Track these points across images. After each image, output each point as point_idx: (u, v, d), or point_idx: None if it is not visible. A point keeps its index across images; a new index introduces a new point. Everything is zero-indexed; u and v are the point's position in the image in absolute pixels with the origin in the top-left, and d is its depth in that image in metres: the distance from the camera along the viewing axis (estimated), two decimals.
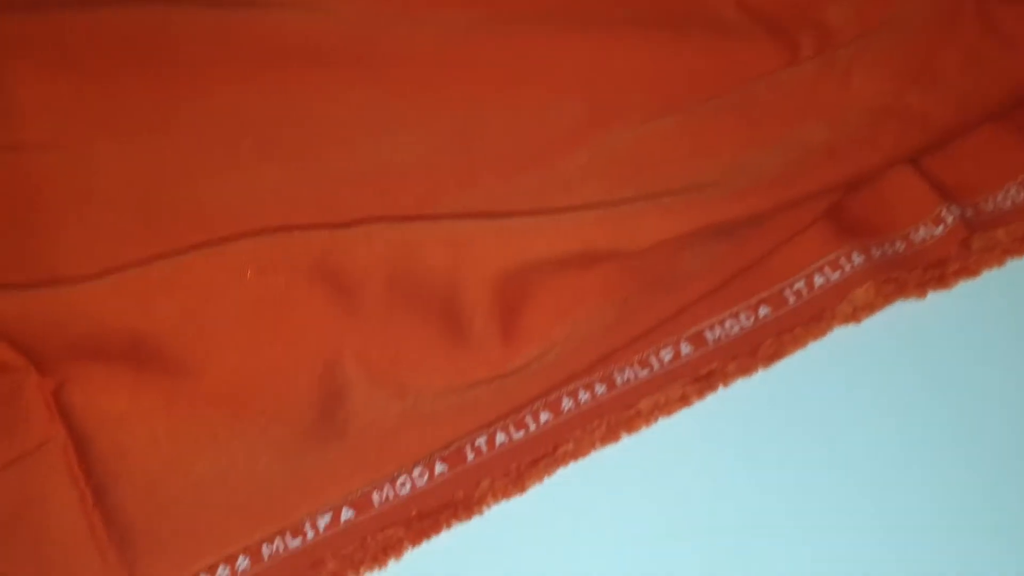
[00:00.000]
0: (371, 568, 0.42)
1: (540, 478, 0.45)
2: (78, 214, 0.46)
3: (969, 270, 0.50)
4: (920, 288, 0.50)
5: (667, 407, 0.46)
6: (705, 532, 0.44)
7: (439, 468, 0.44)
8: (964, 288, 0.50)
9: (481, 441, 0.45)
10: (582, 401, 0.46)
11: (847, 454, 0.46)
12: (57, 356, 0.43)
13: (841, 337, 0.49)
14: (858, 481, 0.45)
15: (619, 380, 0.46)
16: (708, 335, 0.47)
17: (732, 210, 0.47)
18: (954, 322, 0.49)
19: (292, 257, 0.44)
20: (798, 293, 0.49)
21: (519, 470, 0.44)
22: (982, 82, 0.51)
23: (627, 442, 0.46)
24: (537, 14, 0.51)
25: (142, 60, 0.50)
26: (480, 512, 0.44)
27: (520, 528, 0.44)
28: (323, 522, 0.42)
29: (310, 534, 0.42)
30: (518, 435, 0.45)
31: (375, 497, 0.43)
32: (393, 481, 0.43)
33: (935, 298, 0.50)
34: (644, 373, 0.46)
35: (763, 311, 0.48)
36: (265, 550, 0.41)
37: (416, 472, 0.44)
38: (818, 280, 0.49)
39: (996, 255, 0.50)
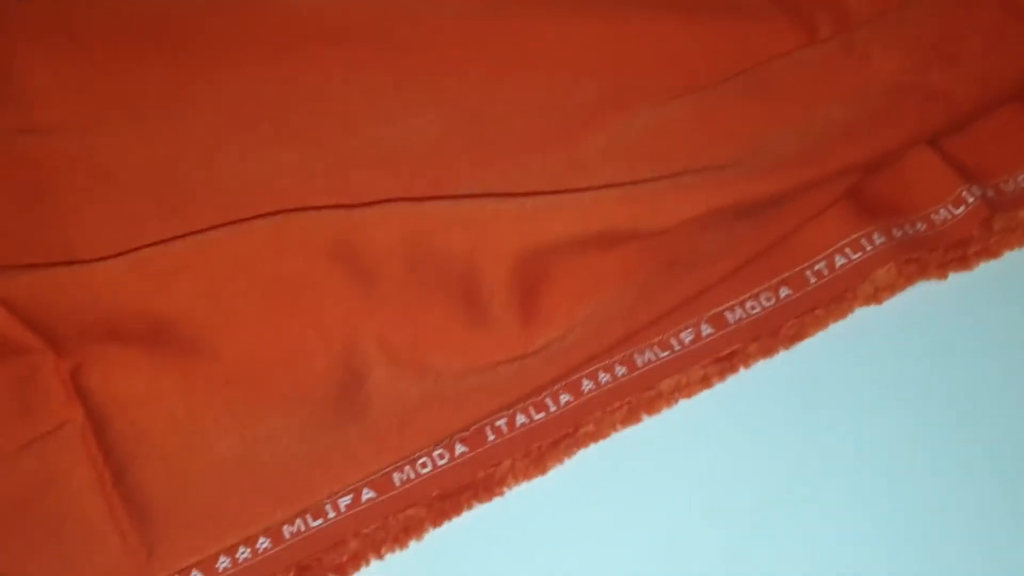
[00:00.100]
0: (392, 548, 0.42)
1: (561, 459, 0.44)
2: (94, 196, 0.46)
3: (990, 251, 0.50)
4: (941, 269, 0.49)
5: (688, 388, 0.46)
6: (726, 516, 0.44)
7: (459, 449, 0.43)
8: (985, 269, 0.50)
9: (501, 422, 0.44)
10: (603, 383, 0.45)
11: (868, 437, 0.46)
12: (74, 337, 0.43)
13: (862, 318, 0.48)
14: (880, 464, 0.45)
15: (640, 362, 0.46)
16: (729, 316, 0.47)
17: (753, 190, 0.46)
18: (975, 303, 0.49)
19: (310, 238, 0.44)
20: (819, 274, 0.48)
21: (540, 451, 0.44)
22: (1003, 63, 0.51)
23: (648, 425, 0.45)
24: None
25: (156, 42, 0.50)
26: (501, 493, 0.43)
27: (537, 513, 0.43)
28: (344, 502, 0.42)
29: (331, 514, 0.42)
30: (538, 416, 0.45)
31: (396, 477, 0.43)
32: (414, 462, 0.43)
33: (956, 279, 0.49)
34: (665, 355, 0.46)
35: (784, 292, 0.48)
36: (286, 531, 0.41)
37: (437, 453, 0.43)
38: (839, 261, 0.48)
39: (1018, 236, 0.50)
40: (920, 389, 0.47)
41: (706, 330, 0.47)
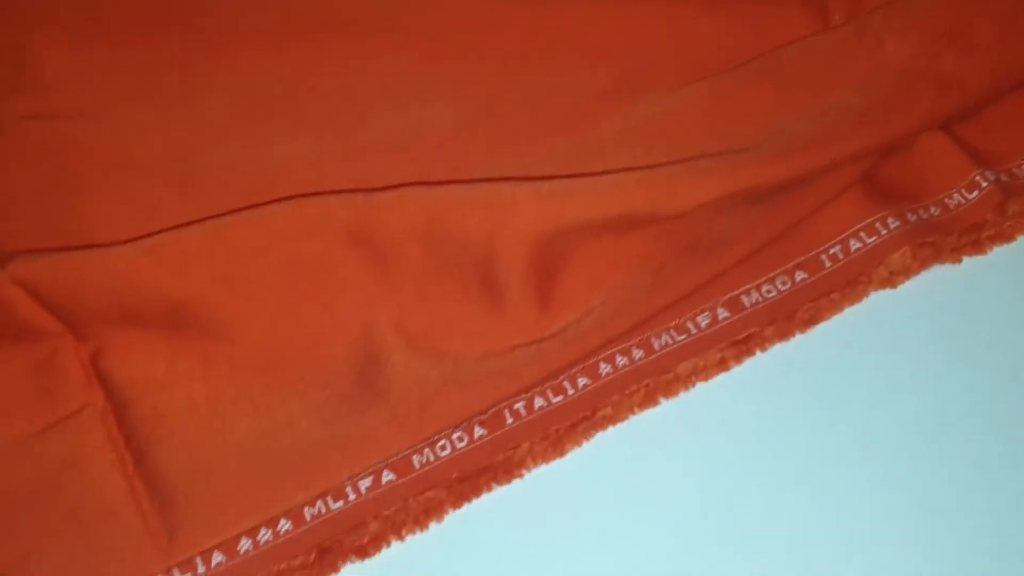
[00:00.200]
0: (412, 530, 0.42)
1: (579, 442, 0.44)
2: (111, 182, 0.47)
3: (1004, 235, 0.50)
4: (955, 253, 0.49)
5: (705, 372, 0.46)
6: (742, 499, 0.44)
7: (478, 432, 0.44)
8: (999, 253, 0.50)
9: (520, 405, 0.44)
10: (620, 366, 0.45)
11: (883, 421, 0.46)
12: (93, 321, 0.43)
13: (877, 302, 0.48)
14: (895, 448, 0.45)
15: (657, 345, 0.46)
16: (745, 300, 0.47)
17: (768, 174, 0.46)
18: (989, 287, 0.49)
19: (327, 222, 0.44)
20: (834, 258, 0.48)
21: (558, 434, 0.44)
22: (1016, 48, 0.51)
23: (666, 408, 0.46)
24: None
25: (171, 29, 0.50)
26: (520, 476, 0.43)
27: (556, 495, 0.44)
28: (365, 484, 0.42)
29: (352, 496, 0.42)
30: (556, 400, 0.45)
31: (416, 460, 0.43)
32: (433, 444, 0.43)
33: (970, 263, 0.49)
34: (682, 338, 0.46)
35: (800, 276, 0.48)
36: (307, 513, 0.41)
37: (456, 436, 0.43)
38: (854, 245, 0.49)
39: None
40: (934, 373, 0.47)
41: (722, 314, 0.47)
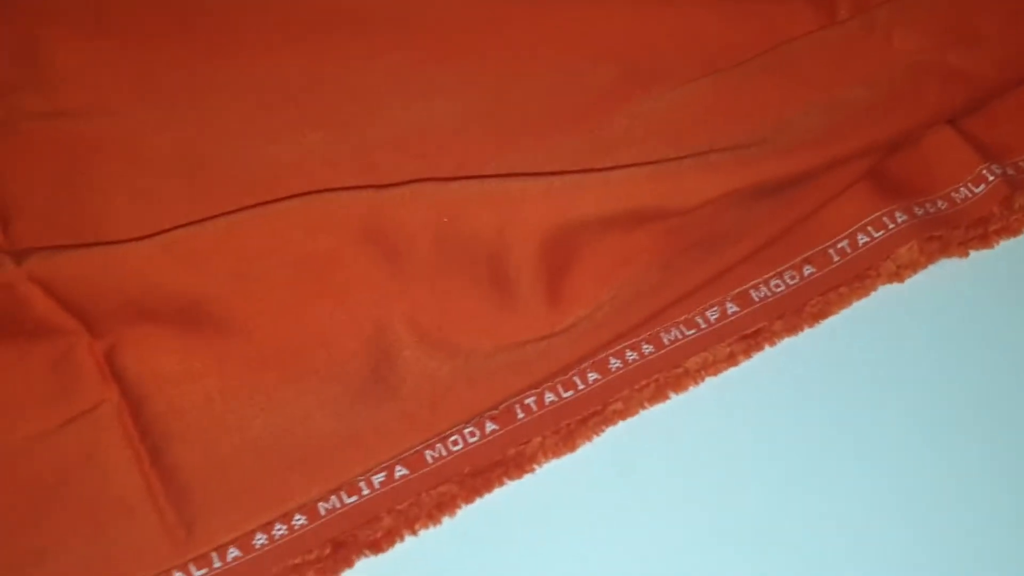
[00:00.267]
0: (426, 525, 0.42)
1: (589, 437, 0.45)
2: (124, 179, 0.47)
3: (1011, 229, 0.50)
4: (962, 247, 0.50)
5: (715, 366, 0.46)
6: (753, 493, 0.44)
7: (489, 427, 0.44)
8: (1005, 247, 0.50)
9: (530, 400, 0.45)
10: (630, 361, 0.46)
11: (891, 414, 0.46)
12: (108, 318, 0.43)
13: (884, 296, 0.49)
14: (904, 441, 0.45)
15: (666, 340, 0.46)
16: (754, 294, 0.47)
17: (776, 169, 0.47)
18: (995, 280, 0.49)
19: (340, 218, 0.44)
20: (842, 252, 0.49)
21: (569, 429, 0.44)
22: (1022, 41, 0.51)
23: (675, 403, 0.46)
24: None
25: (181, 26, 0.51)
26: (531, 470, 0.44)
27: (567, 489, 0.44)
28: (378, 479, 0.42)
29: (365, 491, 0.42)
30: (567, 395, 0.45)
31: (428, 455, 0.43)
32: (445, 439, 0.43)
33: (977, 256, 0.50)
34: (691, 333, 0.47)
35: (808, 270, 0.48)
36: (321, 508, 0.41)
37: (467, 431, 0.44)
38: (862, 239, 0.49)
39: None
40: (941, 366, 0.47)
41: (731, 308, 0.47)
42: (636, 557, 0.42)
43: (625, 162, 0.47)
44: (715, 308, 0.47)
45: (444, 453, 0.43)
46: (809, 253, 0.49)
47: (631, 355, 0.46)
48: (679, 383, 0.46)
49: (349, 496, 0.42)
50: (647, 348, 0.46)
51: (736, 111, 0.50)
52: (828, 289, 0.48)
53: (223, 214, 0.44)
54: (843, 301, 0.48)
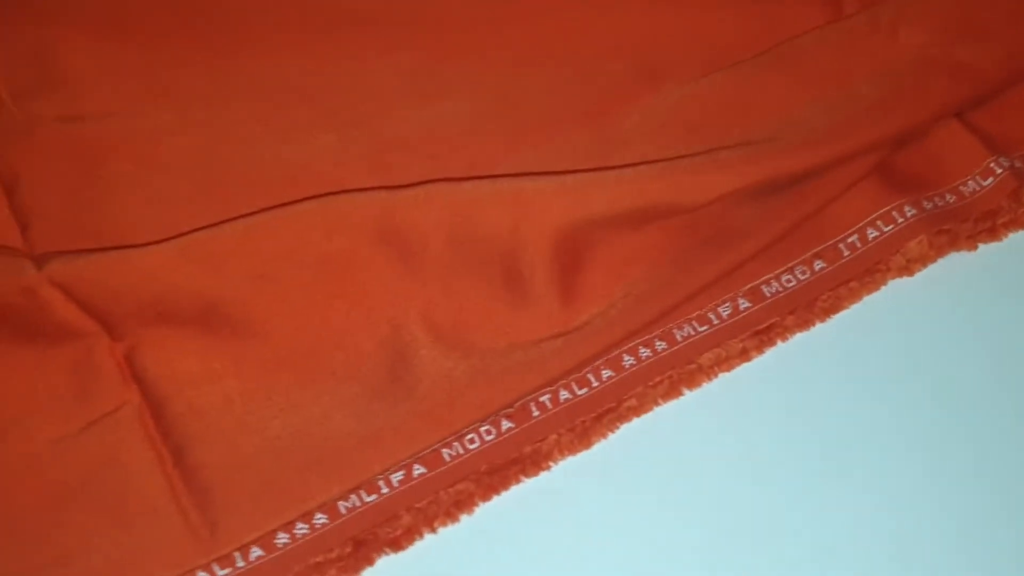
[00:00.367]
0: (444, 523, 0.43)
1: (604, 434, 0.45)
2: (140, 182, 0.47)
3: (1018, 222, 0.51)
4: (971, 240, 0.50)
5: (728, 362, 0.47)
6: (768, 485, 0.44)
7: (505, 425, 0.44)
8: (1014, 240, 0.50)
9: (545, 398, 0.45)
10: (643, 357, 0.46)
11: (903, 407, 0.46)
12: (128, 320, 0.43)
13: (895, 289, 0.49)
14: (916, 433, 0.46)
15: (679, 336, 0.47)
16: (765, 290, 0.48)
17: (787, 164, 0.47)
18: (1005, 273, 0.50)
19: (355, 220, 0.45)
20: (852, 247, 0.49)
21: (584, 426, 0.45)
22: None
23: (688, 400, 0.46)
24: None
25: (193, 28, 0.51)
26: (547, 468, 0.44)
27: (584, 487, 0.44)
28: (396, 478, 0.43)
29: (384, 490, 0.42)
30: (581, 392, 0.45)
31: (445, 453, 0.43)
32: (462, 438, 0.44)
33: (985, 250, 0.50)
34: (704, 329, 0.47)
35: (819, 265, 0.49)
36: (341, 506, 0.42)
37: (483, 429, 0.44)
38: (871, 234, 0.49)
39: None
40: (952, 359, 0.48)
41: (743, 304, 0.47)
42: (653, 553, 0.43)
43: (636, 159, 0.47)
44: (727, 304, 0.47)
45: (461, 451, 0.44)
46: (819, 248, 0.49)
47: (645, 352, 0.46)
48: (693, 379, 0.46)
49: (368, 495, 0.42)
50: (660, 345, 0.46)
51: (745, 107, 0.50)
52: (839, 284, 0.48)
53: (240, 217, 0.44)
54: (854, 296, 0.48)
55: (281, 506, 0.41)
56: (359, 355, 0.44)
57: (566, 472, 0.44)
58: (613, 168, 0.46)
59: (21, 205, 0.46)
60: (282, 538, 0.41)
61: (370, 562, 0.42)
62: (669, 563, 0.42)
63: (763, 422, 0.46)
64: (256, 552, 0.41)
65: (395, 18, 0.52)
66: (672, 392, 0.46)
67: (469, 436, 0.44)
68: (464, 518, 0.43)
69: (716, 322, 0.47)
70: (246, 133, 0.49)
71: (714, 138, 0.49)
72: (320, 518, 0.42)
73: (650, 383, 0.46)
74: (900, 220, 0.49)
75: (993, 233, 0.50)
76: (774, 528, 0.43)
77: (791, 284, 0.48)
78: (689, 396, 0.46)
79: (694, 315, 0.47)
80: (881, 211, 0.50)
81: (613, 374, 0.46)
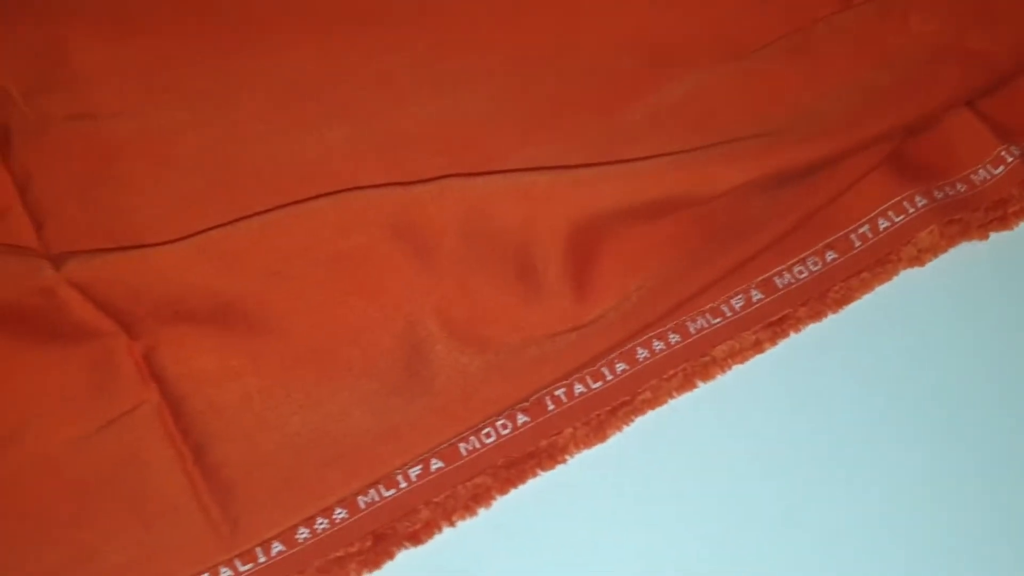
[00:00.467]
0: (463, 516, 0.43)
1: (619, 427, 0.45)
2: (153, 180, 0.47)
3: None
4: (982, 230, 0.50)
5: (741, 353, 0.47)
6: (782, 478, 0.45)
7: (521, 419, 0.45)
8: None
9: (560, 392, 0.45)
10: (657, 351, 0.46)
11: (916, 396, 0.47)
12: (146, 319, 0.44)
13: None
14: (930, 421, 0.46)
15: (692, 329, 0.47)
16: (778, 281, 0.48)
17: (799, 155, 0.47)
18: (1016, 262, 0.50)
19: (370, 216, 0.45)
20: (864, 237, 0.49)
21: (599, 419, 0.45)
22: None
23: (703, 392, 0.47)
24: None
25: (203, 24, 0.51)
26: (564, 461, 0.45)
27: (600, 479, 0.45)
28: (415, 472, 0.43)
29: (403, 484, 0.43)
30: (596, 385, 0.46)
31: (462, 448, 0.44)
32: (478, 432, 0.44)
33: (997, 238, 0.50)
34: (717, 321, 0.47)
35: (830, 256, 0.49)
36: (361, 501, 0.42)
37: (499, 423, 0.44)
38: (883, 224, 0.49)
39: None
40: (963, 349, 0.48)
41: (756, 295, 0.48)
42: (669, 545, 0.43)
43: (648, 151, 0.47)
44: (740, 296, 0.48)
45: (478, 446, 0.44)
46: (831, 239, 0.49)
47: (658, 345, 0.47)
48: (706, 371, 0.46)
49: (387, 489, 0.43)
50: (674, 337, 0.47)
51: (757, 97, 0.50)
52: (851, 275, 0.48)
53: (255, 214, 0.44)
54: (865, 286, 0.49)
55: (301, 502, 0.42)
56: (375, 351, 0.44)
57: (582, 465, 0.44)
58: (626, 161, 0.46)
59: (35, 204, 0.46)
60: (303, 533, 0.42)
61: (390, 556, 0.42)
62: (685, 555, 0.43)
63: (777, 413, 0.46)
64: (277, 547, 0.41)
65: (406, 13, 0.52)
66: (686, 385, 0.46)
67: (485, 430, 0.44)
68: (482, 511, 0.43)
69: (729, 314, 0.47)
70: (259, 130, 0.48)
71: (726, 129, 0.49)
72: (340, 513, 0.42)
73: (664, 376, 0.46)
74: (911, 210, 0.49)
75: (1004, 222, 0.50)
76: (790, 520, 0.44)
77: (803, 275, 0.48)
78: (703, 388, 0.46)
79: (707, 307, 0.47)
80: (892, 201, 0.50)
81: (627, 367, 0.46)
